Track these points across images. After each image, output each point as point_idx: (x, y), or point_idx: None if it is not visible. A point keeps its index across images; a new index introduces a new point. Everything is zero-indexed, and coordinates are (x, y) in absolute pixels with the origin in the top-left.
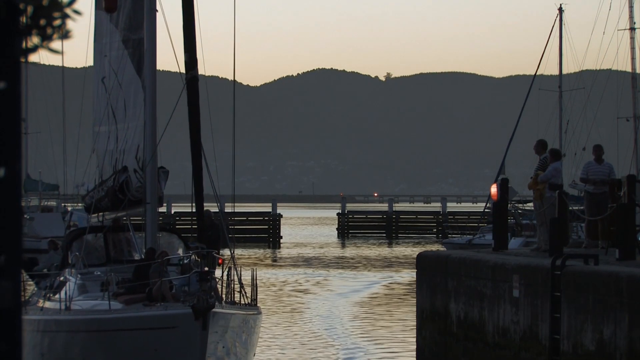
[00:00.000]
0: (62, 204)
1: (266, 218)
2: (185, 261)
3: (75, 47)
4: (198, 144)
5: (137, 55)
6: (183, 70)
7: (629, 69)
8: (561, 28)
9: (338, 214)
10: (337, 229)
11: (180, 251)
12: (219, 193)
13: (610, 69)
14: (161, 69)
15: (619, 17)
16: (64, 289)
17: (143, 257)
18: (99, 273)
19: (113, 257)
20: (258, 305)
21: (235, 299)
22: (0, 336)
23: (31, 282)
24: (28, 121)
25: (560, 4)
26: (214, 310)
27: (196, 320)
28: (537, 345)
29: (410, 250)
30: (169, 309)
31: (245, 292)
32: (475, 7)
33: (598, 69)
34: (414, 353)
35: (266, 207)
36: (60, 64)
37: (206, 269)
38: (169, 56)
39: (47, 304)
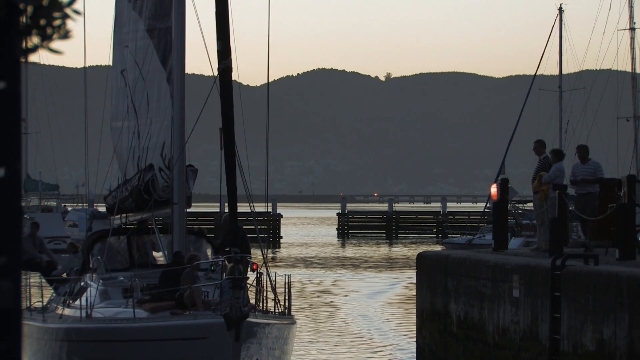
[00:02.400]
0: (62, 204)
1: (266, 218)
2: (214, 267)
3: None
4: (231, 142)
5: (163, 46)
6: (213, 61)
7: (629, 69)
8: (561, 28)
9: (338, 214)
10: (337, 229)
11: (208, 255)
12: (251, 193)
13: (610, 69)
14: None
15: (619, 17)
16: (85, 295)
17: (169, 261)
18: (122, 278)
19: (137, 262)
20: (292, 314)
21: (265, 306)
22: (0, 336)
23: (49, 287)
24: (28, 121)
25: (560, 4)
26: (247, 320)
27: (228, 330)
28: (537, 345)
29: (411, 251)
30: (199, 318)
31: (279, 300)
32: (475, 8)
33: (598, 69)
34: (414, 353)
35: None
36: (60, 64)
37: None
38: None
39: (67, 311)
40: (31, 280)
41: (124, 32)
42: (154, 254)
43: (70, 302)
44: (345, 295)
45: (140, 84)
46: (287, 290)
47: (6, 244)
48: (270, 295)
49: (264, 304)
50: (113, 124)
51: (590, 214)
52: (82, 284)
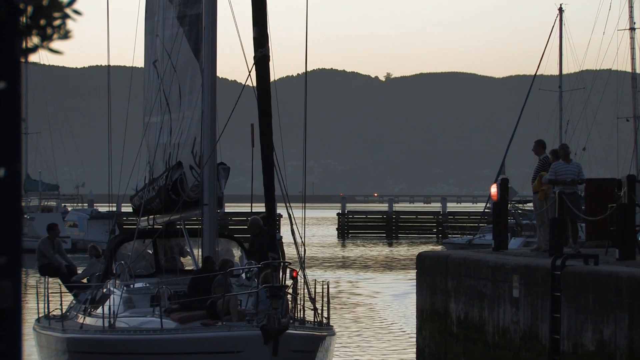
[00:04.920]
0: (62, 204)
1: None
2: (247, 274)
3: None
4: (269, 137)
5: (195, 34)
6: (246, 49)
7: (629, 69)
8: (561, 28)
9: (338, 214)
10: (337, 229)
11: (238, 260)
12: (287, 193)
13: (610, 69)
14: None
15: (619, 17)
16: (107, 303)
17: (199, 267)
18: (148, 285)
19: (164, 267)
20: (331, 324)
21: (302, 315)
22: (0, 336)
23: (69, 294)
24: (28, 121)
25: (560, 4)
26: (286, 332)
27: (265, 343)
28: (537, 345)
29: (411, 251)
30: (233, 329)
31: (317, 309)
32: (476, 8)
33: (598, 69)
34: (414, 353)
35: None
36: (60, 64)
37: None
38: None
39: (88, 320)
40: (50, 286)
41: (155, 20)
42: (182, 258)
43: (92, 310)
44: (373, 297)
45: (171, 75)
46: (325, 298)
47: (6, 244)
48: (306, 302)
49: (301, 313)
50: (146, 119)
51: (575, 215)
52: (104, 290)
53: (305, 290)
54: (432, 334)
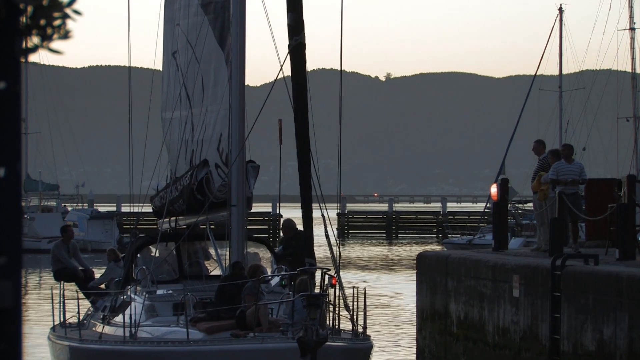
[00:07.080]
0: (62, 204)
1: (266, 218)
2: (282, 281)
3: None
4: (305, 132)
5: (220, 22)
6: (276, 39)
7: (629, 69)
8: (561, 28)
9: (338, 214)
10: (337, 229)
11: (269, 264)
12: (322, 193)
13: (610, 69)
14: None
15: (619, 17)
16: (128, 311)
17: (227, 273)
18: (171, 292)
19: (188, 273)
20: (368, 334)
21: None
22: (0, 336)
23: (86, 301)
24: (28, 121)
25: (560, 4)
26: (325, 344)
27: (302, 357)
28: (537, 345)
29: (411, 251)
30: (266, 341)
31: (354, 318)
32: (475, 7)
33: (598, 69)
34: (414, 353)
35: (266, 207)
36: (60, 64)
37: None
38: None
39: (107, 330)
40: (65, 292)
41: (175, 9)
42: (207, 263)
43: (111, 318)
44: (375, 297)
45: (194, 67)
46: (359, 306)
47: (6, 244)
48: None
49: (336, 322)
50: (164, 114)
51: (576, 215)
52: (124, 297)
53: (341, 298)
54: (432, 334)
